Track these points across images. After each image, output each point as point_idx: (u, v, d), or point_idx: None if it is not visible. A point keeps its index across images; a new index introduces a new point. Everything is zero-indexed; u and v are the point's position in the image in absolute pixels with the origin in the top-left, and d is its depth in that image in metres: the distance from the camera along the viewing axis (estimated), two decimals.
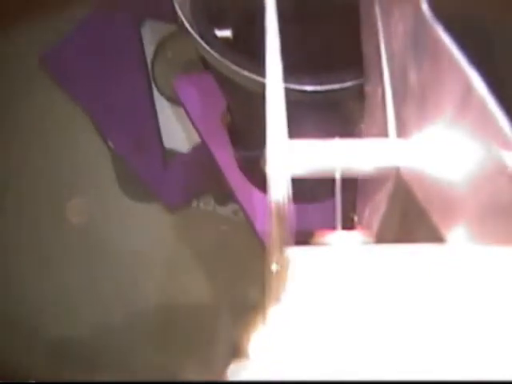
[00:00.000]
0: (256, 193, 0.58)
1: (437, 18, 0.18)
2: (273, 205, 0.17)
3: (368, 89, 0.29)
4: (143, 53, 0.73)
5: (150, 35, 0.73)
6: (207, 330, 0.58)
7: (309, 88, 0.37)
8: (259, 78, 0.37)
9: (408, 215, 0.23)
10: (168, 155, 0.69)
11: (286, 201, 0.17)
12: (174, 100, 0.68)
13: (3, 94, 0.69)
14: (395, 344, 0.12)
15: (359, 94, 0.32)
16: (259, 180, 0.56)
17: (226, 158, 0.60)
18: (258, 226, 0.57)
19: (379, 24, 0.25)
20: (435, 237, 0.19)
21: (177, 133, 0.70)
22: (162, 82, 0.71)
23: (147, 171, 0.68)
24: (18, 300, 0.59)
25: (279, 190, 0.17)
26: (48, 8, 0.65)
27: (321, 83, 0.37)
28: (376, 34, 0.25)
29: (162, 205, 0.66)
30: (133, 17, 0.73)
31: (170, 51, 0.72)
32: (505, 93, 0.16)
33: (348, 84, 0.37)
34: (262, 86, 0.22)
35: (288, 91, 0.22)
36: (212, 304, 0.60)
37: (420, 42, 0.20)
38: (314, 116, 0.40)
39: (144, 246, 0.63)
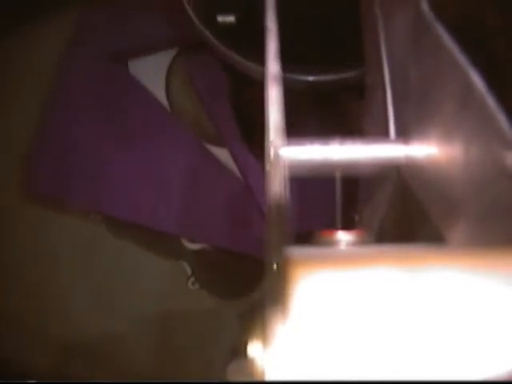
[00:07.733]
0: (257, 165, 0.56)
1: (437, 17, 0.18)
2: (271, 203, 0.16)
3: (368, 88, 0.29)
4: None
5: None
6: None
7: (311, 78, 0.37)
8: (260, 68, 0.36)
9: (408, 215, 0.23)
10: None
11: (285, 199, 0.17)
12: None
13: None
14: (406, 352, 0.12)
15: (360, 84, 0.32)
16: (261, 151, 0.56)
17: (231, 132, 0.57)
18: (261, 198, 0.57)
19: (379, 23, 0.25)
20: (436, 237, 0.19)
21: None
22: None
23: None
24: (19, 299, 0.59)
25: (278, 187, 0.17)
26: None
27: (323, 73, 0.37)
28: (376, 33, 0.25)
29: None
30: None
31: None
32: (505, 93, 0.16)
33: (349, 74, 0.37)
34: (263, 75, 0.21)
35: (289, 81, 0.22)
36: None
37: (420, 41, 0.20)
38: (315, 107, 0.40)
39: None
